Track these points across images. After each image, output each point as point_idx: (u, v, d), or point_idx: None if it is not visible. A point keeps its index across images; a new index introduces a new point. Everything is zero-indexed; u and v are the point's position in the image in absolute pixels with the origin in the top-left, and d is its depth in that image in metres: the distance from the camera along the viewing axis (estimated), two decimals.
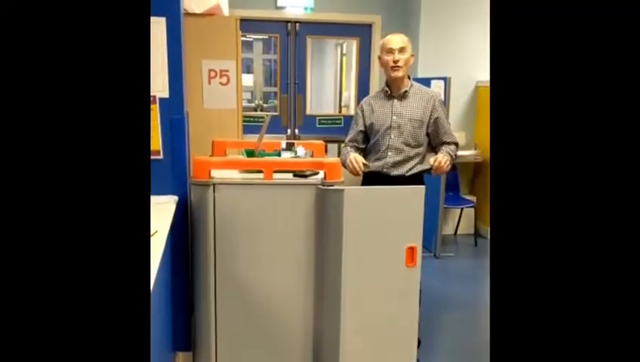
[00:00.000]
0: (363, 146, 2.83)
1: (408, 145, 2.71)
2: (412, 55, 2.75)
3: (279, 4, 5.13)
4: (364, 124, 2.81)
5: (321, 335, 2.32)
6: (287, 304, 2.30)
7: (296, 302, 2.31)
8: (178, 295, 2.46)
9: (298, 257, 2.27)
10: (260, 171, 2.25)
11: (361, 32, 5.44)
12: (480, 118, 5.19)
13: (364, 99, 2.90)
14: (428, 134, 2.76)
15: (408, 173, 2.72)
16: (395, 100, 2.74)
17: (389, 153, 2.71)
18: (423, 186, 2.28)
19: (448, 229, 5.26)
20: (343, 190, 2.14)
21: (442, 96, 4.44)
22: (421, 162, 2.76)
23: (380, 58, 2.77)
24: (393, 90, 2.75)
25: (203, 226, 2.22)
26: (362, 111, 2.83)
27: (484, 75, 5.18)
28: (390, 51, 2.68)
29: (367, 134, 2.83)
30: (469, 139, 5.27)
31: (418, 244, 2.24)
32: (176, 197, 2.34)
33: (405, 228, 2.23)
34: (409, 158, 2.72)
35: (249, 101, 5.56)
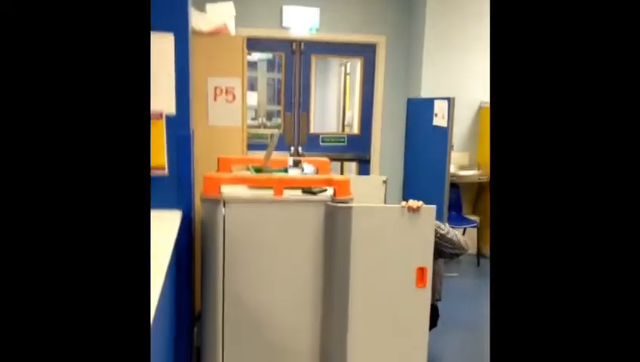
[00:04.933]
0: None
1: None
2: None
3: (285, 24, 5.19)
4: None
5: (329, 353, 2.29)
6: (295, 322, 2.29)
7: (303, 320, 2.29)
8: (182, 307, 2.45)
9: (306, 274, 2.26)
10: (268, 188, 2.25)
11: (366, 52, 5.49)
12: (483, 138, 5.20)
13: None
14: None
15: None
16: None
17: None
18: (434, 206, 2.26)
19: None
20: (351, 207, 2.14)
21: (446, 117, 4.45)
22: None
23: None
24: None
25: (213, 242, 2.22)
26: None
27: (487, 95, 5.20)
28: None
29: None
30: (472, 160, 5.27)
31: (429, 265, 2.22)
32: (180, 213, 2.34)
33: (415, 248, 2.21)
34: None
35: (253, 119, 5.59)
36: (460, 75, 5.13)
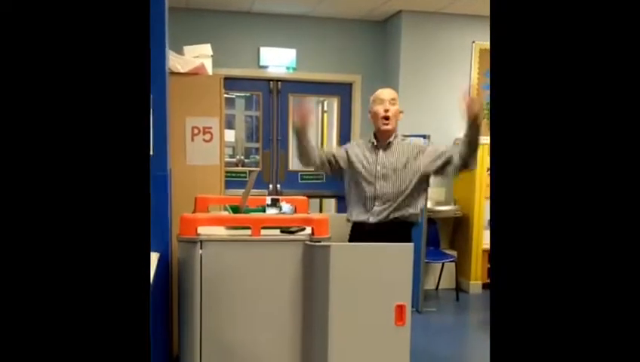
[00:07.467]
0: (328, 158, 2.91)
1: (394, 194, 2.70)
2: (401, 111, 2.83)
3: (262, 63, 5.27)
4: (347, 154, 2.86)
5: None
6: (274, 361, 2.26)
7: (282, 359, 2.26)
8: (159, 351, 2.40)
9: (285, 313, 2.25)
10: (246, 227, 2.25)
11: (342, 91, 5.59)
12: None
13: (354, 141, 2.99)
14: (420, 181, 2.75)
15: (391, 216, 2.69)
16: (380, 151, 2.79)
17: (376, 203, 2.70)
18: (411, 243, 2.28)
19: (430, 284, 5.24)
20: (329, 246, 2.15)
21: None
22: (411, 207, 2.74)
23: (370, 111, 2.84)
24: (379, 142, 2.81)
25: (189, 283, 2.20)
26: (351, 147, 2.91)
27: (461, 132, 5.31)
28: (381, 102, 2.75)
29: (339, 162, 2.87)
30: (448, 195, 5.34)
31: (407, 302, 2.22)
32: (157, 254, 2.31)
33: (394, 286, 2.22)
34: (395, 208, 2.70)
35: (231, 156, 5.60)
36: (434, 113, 5.24)
